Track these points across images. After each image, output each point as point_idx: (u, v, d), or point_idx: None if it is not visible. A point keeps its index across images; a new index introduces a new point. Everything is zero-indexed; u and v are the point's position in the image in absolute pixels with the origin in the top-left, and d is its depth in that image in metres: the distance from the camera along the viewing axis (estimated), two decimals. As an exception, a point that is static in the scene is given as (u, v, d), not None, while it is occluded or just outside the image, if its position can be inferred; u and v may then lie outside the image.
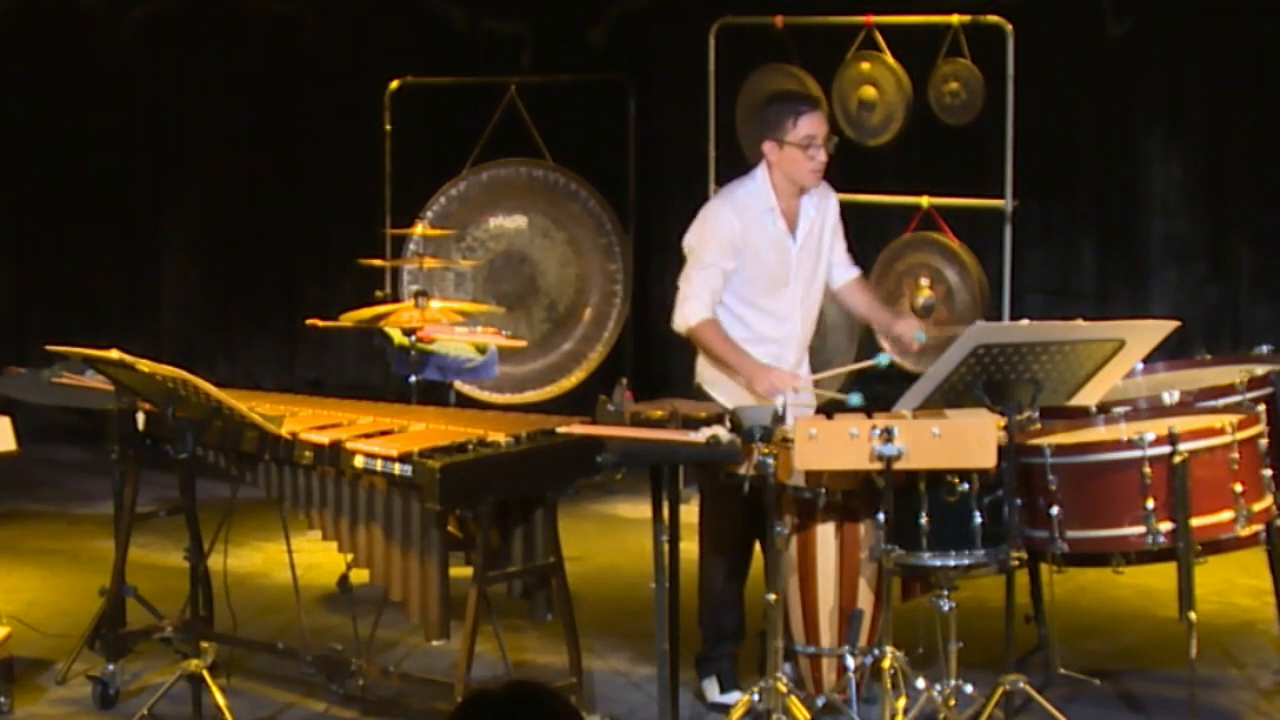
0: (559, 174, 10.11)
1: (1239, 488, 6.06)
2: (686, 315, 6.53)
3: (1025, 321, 6.63)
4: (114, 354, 6.18)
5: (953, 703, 6.01)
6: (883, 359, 6.62)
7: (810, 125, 6.50)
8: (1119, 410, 6.34)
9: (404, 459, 5.93)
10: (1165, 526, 5.98)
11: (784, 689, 5.94)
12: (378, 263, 8.90)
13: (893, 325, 6.83)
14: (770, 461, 5.82)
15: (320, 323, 8.21)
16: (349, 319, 8.12)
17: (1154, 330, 6.11)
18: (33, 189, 11.26)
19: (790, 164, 6.52)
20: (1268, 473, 6.22)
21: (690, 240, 6.62)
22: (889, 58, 8.97)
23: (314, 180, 11.41)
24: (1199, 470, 5.98)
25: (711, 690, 6.64)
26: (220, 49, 11.35)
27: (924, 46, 8.93)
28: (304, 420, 6.40)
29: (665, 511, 5.78)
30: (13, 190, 11.21)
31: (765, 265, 6.55)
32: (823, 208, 6.70)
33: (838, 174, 9.11)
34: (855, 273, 6.89)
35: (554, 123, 10.09)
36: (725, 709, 6.52)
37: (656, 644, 5.84)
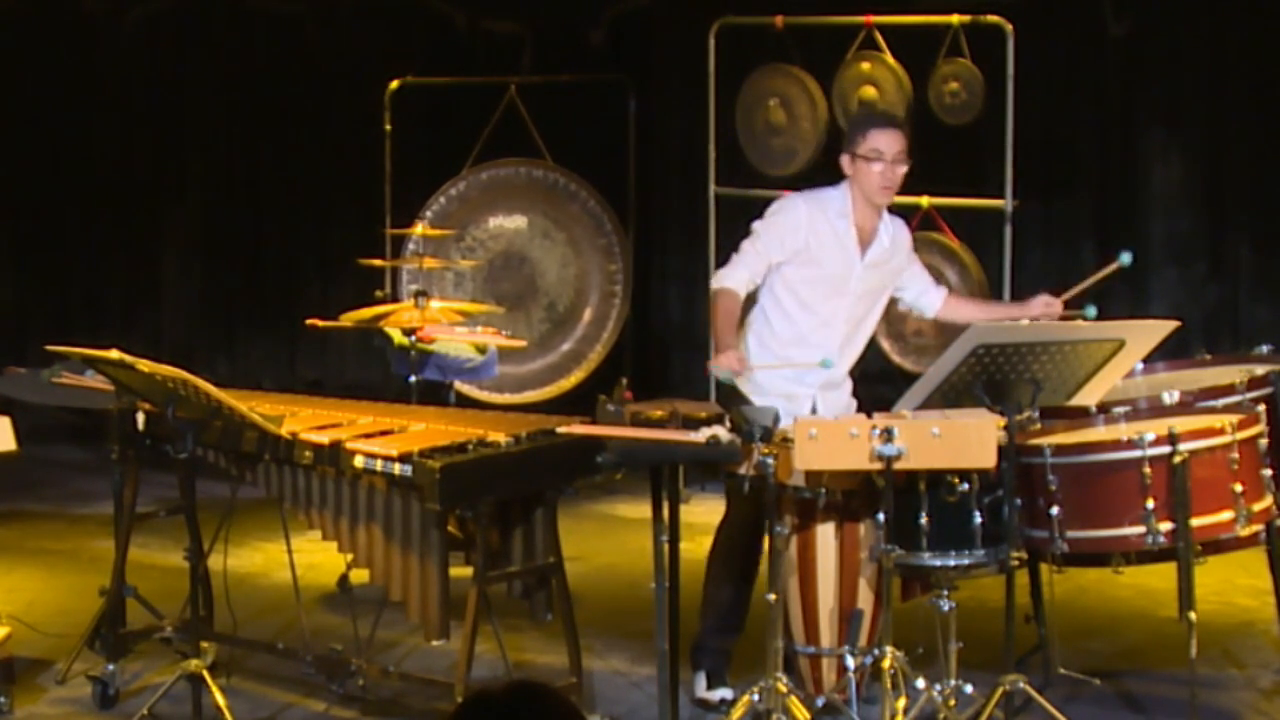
0: (559, 174, 10.11)
1: (1239, 488, 6.06)
2: (720, 277, 6.63)
3: (1025, 321, 6.64)
4: (114, 354, 6.17)
5: (953, 703, 6.01)
6: (1125, 258, 6.66)
7: (878, 139, 6.55)
8: (1119, 410, 6.34)
9: (404, 459, 5.92)
10: (1165, 526, 5.98)
11: (784, 689, 5.94)
12: (378, 263, 8.90)
13: (1028, 311, 6.80)
14: (770, 461, 5.82)
15: (320, 323, 8.20)
16: (349, 319, 8.12)
17: (1154, 330, 6.12)
18: (33, 189, 11.26)
19: (861, 177, 6.58)
20: (1268, 473, 6.22)
21: (757, 221, 6.71)
22: (889, 58, 8.97)
23: (314, 180, 11.40)
24: (1199, 470, 5.97)
25: (699, 685, 6.65)
26: (220, 49, 11.35)
27: (924, 46, 8.93)
28: (304, 420, 6.39)
29: (665, 511, 5.78)
30: (13, 190, 11.21)
31: (826, 270, 6.58)
32: (896, 240, 6.72)
33: (839, 174, 9.16)
34: (944, 290, 6.96)
35: (554, 123, 10.09)
36: (710, 705, 6.54)
37: (656, 644, 5.84)
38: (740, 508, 6.56)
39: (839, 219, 6.59)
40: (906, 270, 6.81)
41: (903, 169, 6.60)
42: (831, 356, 6.57)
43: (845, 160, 6.63)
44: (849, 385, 6.81)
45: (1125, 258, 6.69)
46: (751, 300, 6.73)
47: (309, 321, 8.31)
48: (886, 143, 6.55)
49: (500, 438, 6.08)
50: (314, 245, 11.47)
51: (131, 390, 6.46)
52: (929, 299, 6.89)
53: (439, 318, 8.05)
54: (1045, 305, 6.76)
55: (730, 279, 6.59)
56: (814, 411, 6.52)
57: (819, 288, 6.59)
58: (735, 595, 6.67)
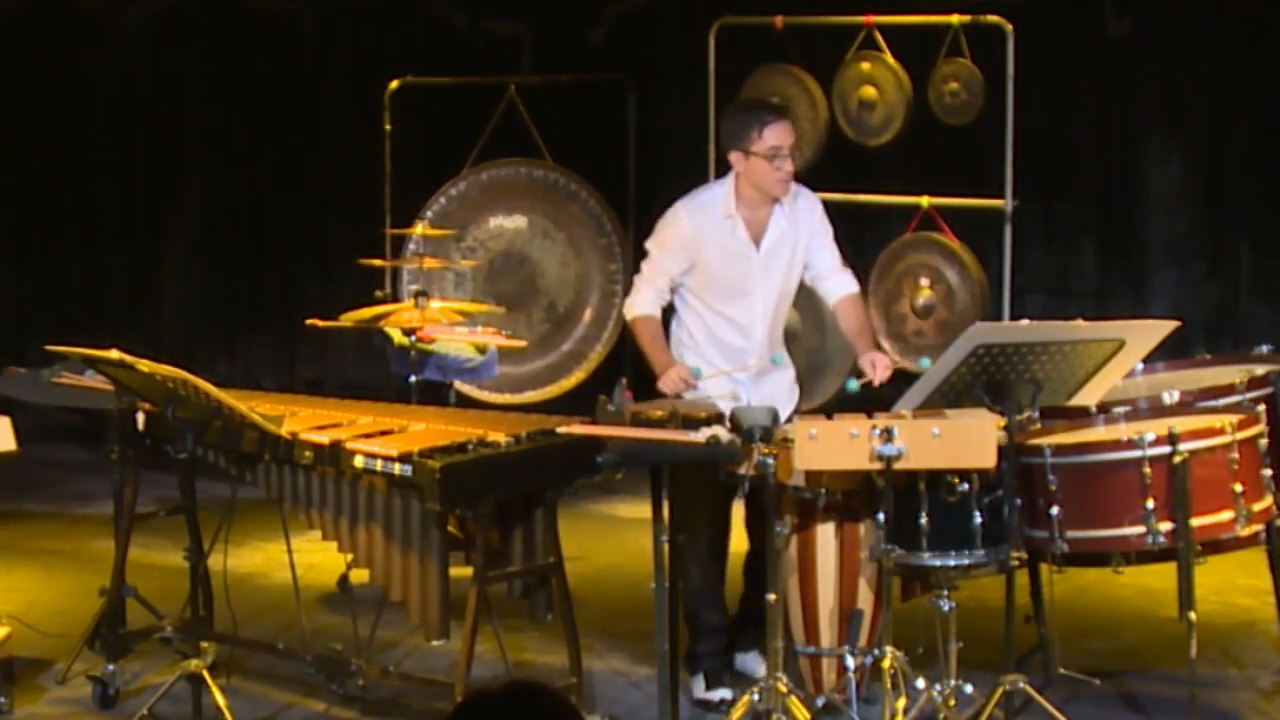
0: (559, 174, 10.11)
1: (1239, 488, 6.06)
2: (629, 307, 6.68)
3: (1025, 321, 6.63)
4: (114, 354, 6.17)
5: (953, 703, 6.01)
6: (851, 384, 6.64)
7: (775, 136, 6.46)
8: (1119, 410, 6.34)
9: (404, 459, 5.92)
10: (1165, 526, 5.97)
11: (784, 689, 5.94)
12: (378, 263, 8.90)
13: (861, 357, 6.69)
14: (770, 461, 5.82)
15: (320, 323, 8.20)
16: (349, 319, 8.12)
17: (1154, 330, 6.11)
18: (33, 188, 11.26)
19: (756, 175, 6.50)
20: (1268, 473, 6.21)
21: (649, 240, 6.70)
22: (889, 58, 8.98)
23: (314, 180, 11.41)
24: (1199, 470, 5.97)
25: (698, 687, 6.64)
26: (220, 49, 11.35)
27: (924, 46, 8.94)
28: (304, 420, 6.39)
29: (665, 511, 5.78)
30: (13, 190, 11.21)
31: (721, 273, 6.55)
32: (796, 216, 6.62)
33: (838, 174, 9.17)
34: (850, 289, 6.78)
35: (554, 123, 10.09)
36: (710, 706, 6.54)
37: (656, 644, 5.84)
38: (708, 508, 6.51)
39: (724, 219, 6.54)
40: (817, 241, 6.68)
41: (792, 161, 6.53)
42: (753, 351, 6.58)
43: (736, 157, 6.51)
44: (791, 372, 6.77)
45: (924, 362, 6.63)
46: (669, 316, 6.73)
47: (309, 321, 8.30)
48: (783, 137, 6.48)
49: (500, 438, 6.08)
50: (314, 245, 11.48)
51: (131, 390, 6.46)
52: (830, 284, 6.73)
53: (439, 318, 8.05)
54: (871, 363, 6.58)
55: (640, 305, 6.62)
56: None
57: (721, 292, 6.57)
58: (717, 598, 6.66)
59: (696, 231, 6.53)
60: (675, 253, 6.57)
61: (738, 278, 6.55)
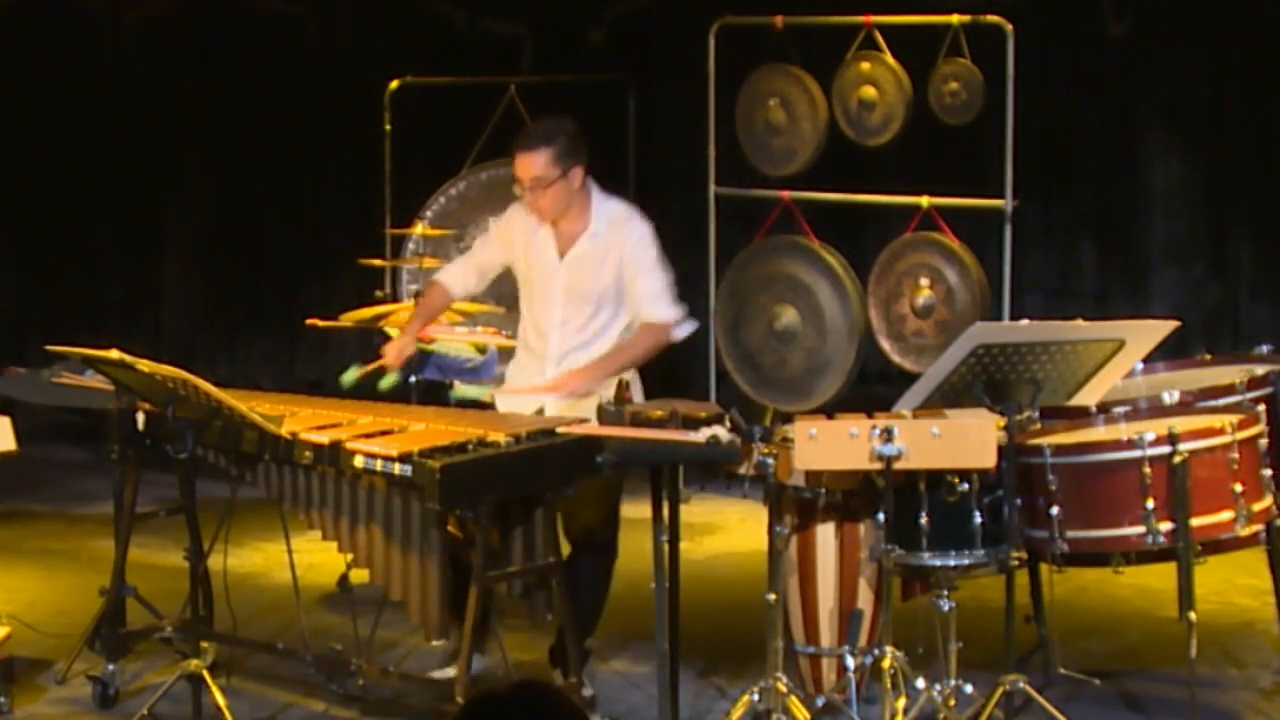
0: (559, 174, 10.10)
1: (1239, 488, 6.06)
2: (439, 273, 6.90)
3: (1025, 321, 6.63)
4: (114, 354, 6.17)
5: (953, 703, 6.02)
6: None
7: (514, 165, 6.44)
8: (1119, 410, 6.34)
9: (404, 459, 5.92)
10: (1165, 526, 5.98)
11: (784, 689, 5.95)
12: (378, 263, 8.89)
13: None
14: (770, 461, 5.82)
15: (320, 323, 8.20)
16: (349, 319, 8.12)
17: (1154, 330, 6.12)
18: (33, 189, 11.25)
19: None
20: (1268, 473, 6.22)
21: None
22: (889, 58, 8.97)
23: (314, 180, 11.40)
24: (1199, 470, 5.98)
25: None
26: (220, 49, 11.34)
27: (924, 46, 8.93)
28: (304, 420, 6.39)
29: (665, 511, 5.78)
30: (13, 190, 11.21)
31: (528, 275, 6.59)
32: (610, 240, 6.47)
33: (838, 174, 9.18)
34: (652, 318, 6.46)
35: (554, 123, 10.07)
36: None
37: (657, 644, 5.84)
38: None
39: (538, 225, 6.52)
40: (631, 269, 6.45)
41: (541, 194, 6.37)
42: (549, 358, 6.51)
43: None
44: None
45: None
46: None
47: (309, 321, 8.31)
48: (519, 168, 6.41)
49: (500, 438, 6.07)
50: (314, 245, 11.47)
51: (131, 390, 6.46)
52: (639, 311, 6.48)
53: (439, 318, 8.04)
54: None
55: (443, 272, 6.85)
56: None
57: (529, 293, 6.61)
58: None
59: (514, 228, 6.59)
60: (494, 243, 6.70)
61: (542, 281, 6.55)
